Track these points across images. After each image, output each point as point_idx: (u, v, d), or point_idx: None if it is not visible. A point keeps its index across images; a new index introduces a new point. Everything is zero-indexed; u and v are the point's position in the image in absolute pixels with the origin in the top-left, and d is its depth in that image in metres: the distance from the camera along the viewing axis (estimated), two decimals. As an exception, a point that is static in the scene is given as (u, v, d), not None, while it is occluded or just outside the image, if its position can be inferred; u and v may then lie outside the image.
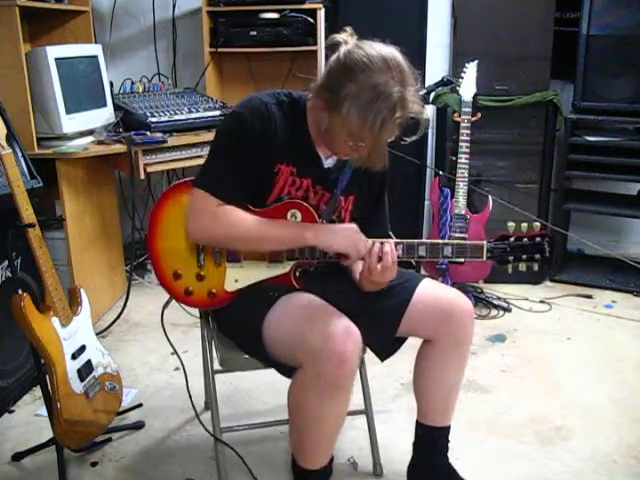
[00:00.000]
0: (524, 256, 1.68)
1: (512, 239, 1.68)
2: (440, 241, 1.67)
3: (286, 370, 1.64)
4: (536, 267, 1.71)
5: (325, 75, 1.56)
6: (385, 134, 1.51)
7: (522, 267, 1.71)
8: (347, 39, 1.57)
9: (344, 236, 1.63)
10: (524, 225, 1.70)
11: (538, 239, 1.68)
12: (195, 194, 1.64)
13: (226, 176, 1.63)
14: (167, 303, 1.88)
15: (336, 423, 1.65)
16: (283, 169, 1.66)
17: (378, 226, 1.80)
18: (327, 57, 1.59)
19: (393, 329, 1.73)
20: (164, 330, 1.90)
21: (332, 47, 1.58)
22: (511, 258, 1.68)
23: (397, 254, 1.64)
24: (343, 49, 1.54)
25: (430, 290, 1.75)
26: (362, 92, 1.47)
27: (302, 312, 1.59)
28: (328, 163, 1.71)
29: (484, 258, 1.67)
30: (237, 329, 1.75)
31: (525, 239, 1.68)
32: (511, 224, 1.71)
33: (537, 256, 1.68)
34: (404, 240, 1.66)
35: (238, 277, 1.71)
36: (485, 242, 1.67)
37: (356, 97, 1.47)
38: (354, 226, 1.66)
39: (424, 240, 1.67)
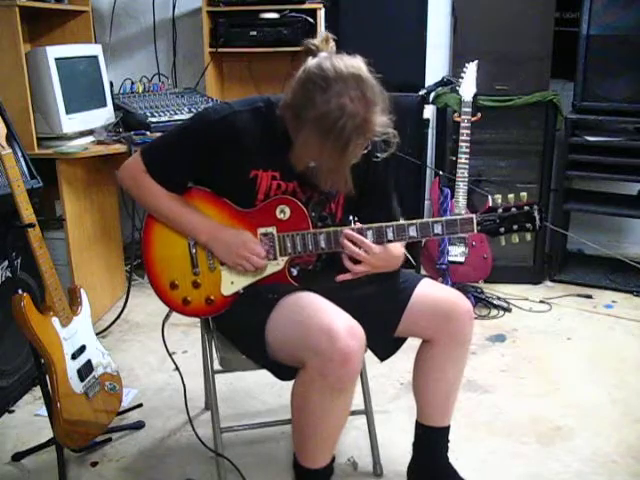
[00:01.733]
0: (515, 226, 1.67)
1: (500, 210, 1.67)
2: (429, 219, 1.66)
3: (285, 373, 1.64)
4: (529, 237, 1.69)
5: (290, 92, 1.54)
6: (346, 158, 1.50)
7: (515, 239, 1.69)
8: (320, 45, 1.56)
9: (228, 251, 1.67)
10: (510, 196, 1.68)
11: (527, 208, 1.66)
12: (136, 155, 1.75)
13: (162, 159, 1.71)
14: (167, 316, 1.89)
15: (339, 422, 1.65)
16: (261, 175, 1.66)
17: (382, 211, 1.77)
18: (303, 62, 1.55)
19: (391, 329, 1.73)
20: (164, 340, 1.91)
21: (306, 53, 1.56)
22: (502, 230, 1.67)
23: (369, 239, 1.63)
24: (306, 67, 1.51)
25: (429, 290, 1.74)
26: (320, 117, 1.45)
27: (304, 312, 1.59)
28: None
29: (475, 231, 1.65)
30: (238, 333, 1.74)
31: (513, 209, 1.67)
32: (497, 196, 1.69)
33: (528, 225, 1.67)
34: (374, 225, 1.65)
35: (233, 279, 1.72)
36: (474, 215, 1.66)
37: (315, 123, 1.46)
38: (245, 243, 1.66)
39: (413, 221, 1.65)
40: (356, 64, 1.50)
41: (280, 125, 1.60)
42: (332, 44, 1.59)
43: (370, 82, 1.49)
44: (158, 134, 2.90)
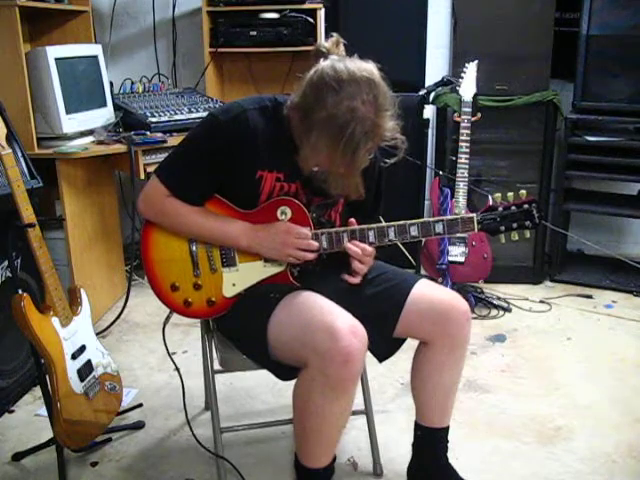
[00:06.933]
0: (514, 224, 1.70)
1: (500, 209, 1.69)
2: (431, 219, 1.67)
3: (286, 373, 1.64)
4: (528, 234, 1.73)
5: (300, 93, 1.53)
6: (357, 163, 1.49)
7: (514, 236, 1.72)
8: (331, 48, 1.55)
9: (274, 247, 1.65)
10: (510, 194, 1.71)
11: (526, 206, 1.69)
12: (152, 180, 1.69)
13: (184, 175, 1.67)
14: (168, 318, 1.89)
15: (340, 422, 1.65)
16: (266, 176, 1.65)
17: (371, 212, 1.83)
18: (311, 65, 1.54)
19: (389, 331, 1.72)
20: (164, 340, 1.92)
21: (316, 55, 1.56)
22: (502, 228, 1.70)
23: (370, 240, 1.66)
24: (318, 68, 1.50)
25: (426, 291, 1.74)
26: (331, 119, 1.44)
27: (306, 311, 1.59)
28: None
29: (475, 230, 1.68)
30: (240, 333, 1.74)
31: (513, 207, 1.70)
32: (497, 195, 1.73)
33: (527, 223, 1.70)
34: (374, 225, 1.67)
35: (235, 281, 1.71)
36: (475, 214, 1.68)
37: (325, 125, 1.45)
38: (287, 231, 1.64)
39: (414, 220, 1.66)
40: (369, 68, 1.49)
41: (286, 126, 1.59)
42: (342, 48, 1.58)
43: (382, 87, 1.49)
44: (158, 134, 2.91)
